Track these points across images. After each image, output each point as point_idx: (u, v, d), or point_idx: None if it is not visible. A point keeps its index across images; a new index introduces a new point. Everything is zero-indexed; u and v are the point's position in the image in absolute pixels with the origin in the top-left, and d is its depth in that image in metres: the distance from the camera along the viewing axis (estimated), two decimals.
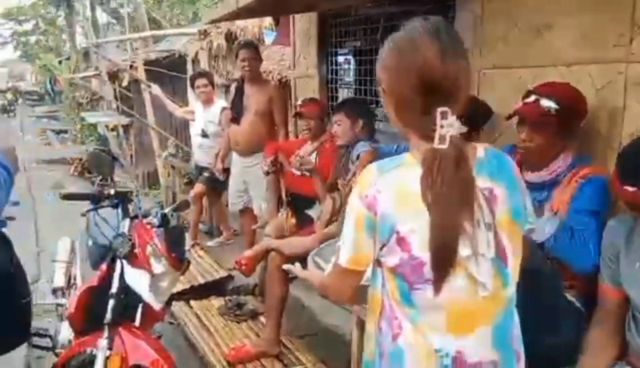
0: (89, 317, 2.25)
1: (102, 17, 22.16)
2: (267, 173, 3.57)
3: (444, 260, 1.03)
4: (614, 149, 1.96)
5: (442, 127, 1.02)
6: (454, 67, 1.03)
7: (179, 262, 2.33)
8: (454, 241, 1.02)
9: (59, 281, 3.07)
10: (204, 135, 4.77)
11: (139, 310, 2.26)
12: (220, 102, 4.82)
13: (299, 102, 3.47)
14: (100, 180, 2.65)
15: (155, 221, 2.37)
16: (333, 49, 4.13)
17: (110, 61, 8.42)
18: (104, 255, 2.41)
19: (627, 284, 1.57)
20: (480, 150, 1.12)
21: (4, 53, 34.57)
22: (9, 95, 21.76)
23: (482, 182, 1.07)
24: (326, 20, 4.09)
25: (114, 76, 9.16)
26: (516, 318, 1.19)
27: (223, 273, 4.10)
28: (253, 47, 4.03)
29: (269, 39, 6.05)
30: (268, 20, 6.28)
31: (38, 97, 28.28)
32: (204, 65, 6.25)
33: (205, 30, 5.44)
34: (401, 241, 1.06)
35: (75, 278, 3.07)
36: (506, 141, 2.40)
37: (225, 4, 3.06)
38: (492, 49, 2.46)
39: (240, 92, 4.16)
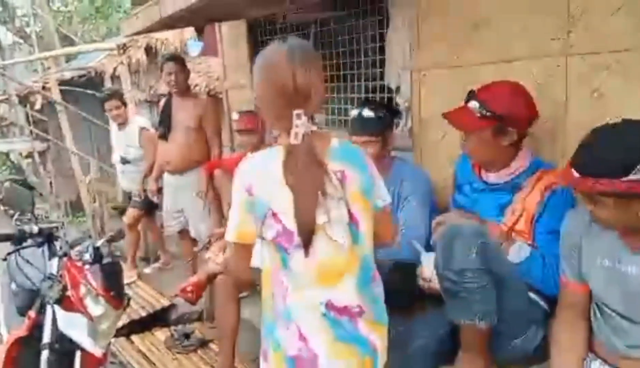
0: None
1: (7, 36, 20.66)
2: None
3: (306, 227, 1.31)
4: (559, 143, 1.98)
5: (296, 126, 1.32)
6: (304, 80, 1.33)
7: (119, 300, 2.12)
8: (311, 212, 1.31)
9: None
10: (125, 161, 4.46)
11: (77, 358, 2.02)
12: (137, 121, 4.51)
13: (235, 117, 3.31)
14: (19, 215, 2.35)
15: (87, 257, 2.14)
16: None
17: (20, 84, 7.80)
18: (31, 300, 2.14)
19: (589, 279, 1.56)
20: (334, 141, 1.41)
21: None
22: None
23: (334, 166, 1.35)
24: (256, 28, 3.97)
25: (24, 99, 8.48)
26: (373, 271, 1.46)
27: (165, 302, 3.84)
28: (179, 60, 3.81)
29: (193, 50, 5.84)
30: (189, 31, 6.06)
31: None
32: (124, 81, 5.92)
33: (124, 45, 5.15)
34: (275, 216, 1.33)
35: None
36: (451, 141, 2.40)
37: (146, 15, 2.86)
38: (430, 49, 2.45)
39: (168, 107, 3.91)
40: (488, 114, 1.81)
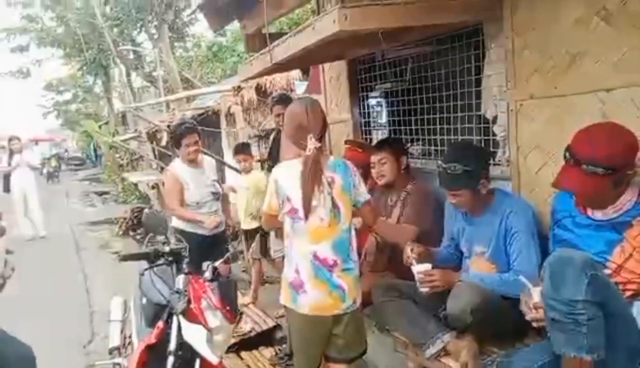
0: None
1: (137, 81, 23.23)
2: None
3: (306, 207, 2.16)
4: None
5: (309, 144, 2.16)
6: (312, 118, 2.22)
7: (233, 315, 2.35)
8: (310, 198, 2.16)
9: (115, 341, 3.10)
10: (219, 197, 4.02)
11: (197, 365, 2.27)
12: (207, 158, 4.20)
13: (347, 146, 3.55)
14: (150, 238, 2.72)
15: (208, 275, 2.42)
16: (364, 93, 4.23)
17: (149, 122, 8.77)
18: (159, 312, 2.46)
19: None
20: (331, 158, 2.30)
21: (47, 122, 36.54)
22: (53, 162, 22.75)
23: (327, 173, 2.20)
24: (355, 66, 4.20)
25: (152, 136, 9.53)
26: (350, 239, 2.27)
27: (271, 323, 4.10)
28: (287, 101, 4.12)
29: (299, 88, 6.24)
30: (296, 71, 6.49)
31: (80, 162, 29.54)
32: (237, 118, 6.46)
33: (238, 86, 5.67)
34: (289, 199, 2.21)
35: (130, 337, 3.11)
36: (550, 170, 2.39)
37: (259, 62, 3.20)
38: (527, 80, 2.48)
39: (276, 143, 4.29)
40: (599, 170, 1.78)
